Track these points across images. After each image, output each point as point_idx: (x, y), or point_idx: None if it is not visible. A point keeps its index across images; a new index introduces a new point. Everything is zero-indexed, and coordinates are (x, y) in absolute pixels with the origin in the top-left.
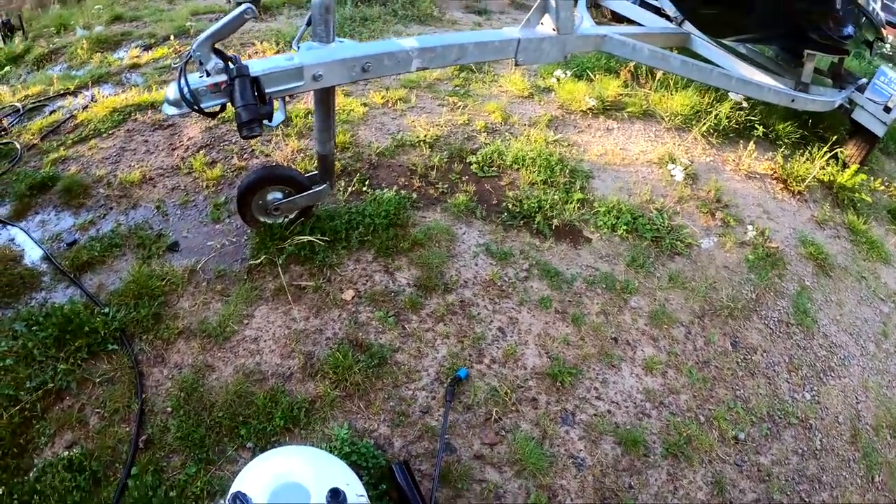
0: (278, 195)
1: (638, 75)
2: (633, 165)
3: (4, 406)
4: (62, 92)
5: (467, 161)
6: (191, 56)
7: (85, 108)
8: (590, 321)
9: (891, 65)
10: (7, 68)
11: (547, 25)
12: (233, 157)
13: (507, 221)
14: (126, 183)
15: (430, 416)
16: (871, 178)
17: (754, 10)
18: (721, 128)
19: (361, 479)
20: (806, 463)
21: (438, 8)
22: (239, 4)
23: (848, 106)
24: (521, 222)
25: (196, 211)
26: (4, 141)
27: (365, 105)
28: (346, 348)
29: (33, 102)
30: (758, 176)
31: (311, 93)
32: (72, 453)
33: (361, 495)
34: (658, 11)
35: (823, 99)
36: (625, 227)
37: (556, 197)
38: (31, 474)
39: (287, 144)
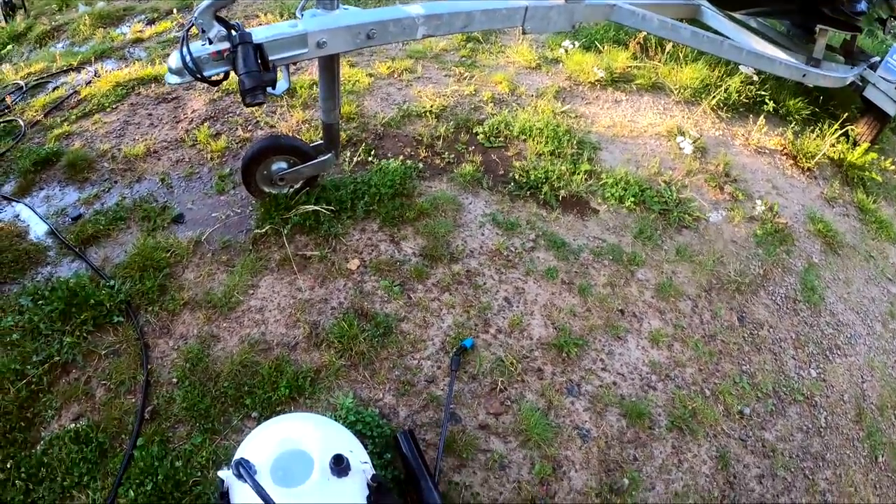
0: (283, 165)
1: (647, 47)
2: (642, 138)
3: (11, 380)
4: (65, 68)
5: (474, 131)
6: (193, 24)
7: (88, 83)
8: (596, 292)
9: None
10: (10, 47)
11: None
12: (237, 128)
13: (513, 192)
14: (130, 156)
15: (435, 385)
16: (882, 158)
17: None
18: (731, 102)
19: (366, 448)
20: (810, 440)
21: None
22: None
23: (860, 83)
24: (528, 193)
25: (201, 183)
26: (8, 118)
27: (371, 75)
28: (351, 318)
29: (36, 79)
30: (767, 151)
31: (316, 61)
32: (78, 425)
33: (365, 462)
34: None
35: (835, 75)
36: (632, 199)
37: (563, 168)
38: (38, 447)
39: (292, 115)
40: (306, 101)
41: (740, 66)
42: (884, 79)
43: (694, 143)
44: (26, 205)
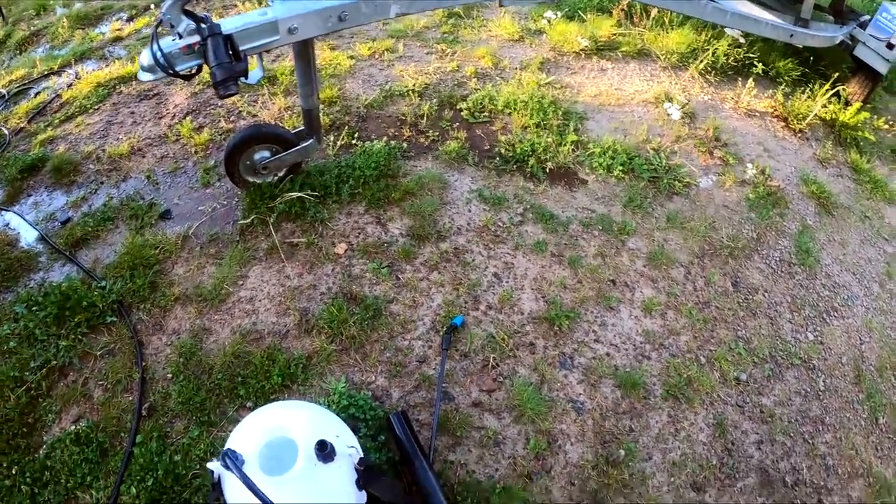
0: (266, 154)
1: (632, 14)
2: (629, 105)
3: (11, 388)
4: (46, 73)
5: (458, 108)
6: (161, 20)
7: (69, 86)
8: (587, 264)
9: (894, 1)
10: None
11: None
12: (220, 120)
13: (499, 166)
14: (115, 156)
15: (427, 365)
16: (875, 117)
17: None
18: (719, 65)
19: (360, 431)
20: (809, 404)
21: None
22: None
23: (849, 43)
24: (515, 166)
25: (186, 177)
26: None
27: (352, 58)
28: (340, 302)
29: (18, 86)
30: (757, 114)
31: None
32: (78, 427)
33: (352, 446)
34: None
35: (824, 35)
36: (621, 168)
37: (549, 140)
38: (41, 452)
39: (274, 103)
40: (287, 87)
41: (726, 29)
42: (874, 37)
43: (682, 108)
44: (15, 213)
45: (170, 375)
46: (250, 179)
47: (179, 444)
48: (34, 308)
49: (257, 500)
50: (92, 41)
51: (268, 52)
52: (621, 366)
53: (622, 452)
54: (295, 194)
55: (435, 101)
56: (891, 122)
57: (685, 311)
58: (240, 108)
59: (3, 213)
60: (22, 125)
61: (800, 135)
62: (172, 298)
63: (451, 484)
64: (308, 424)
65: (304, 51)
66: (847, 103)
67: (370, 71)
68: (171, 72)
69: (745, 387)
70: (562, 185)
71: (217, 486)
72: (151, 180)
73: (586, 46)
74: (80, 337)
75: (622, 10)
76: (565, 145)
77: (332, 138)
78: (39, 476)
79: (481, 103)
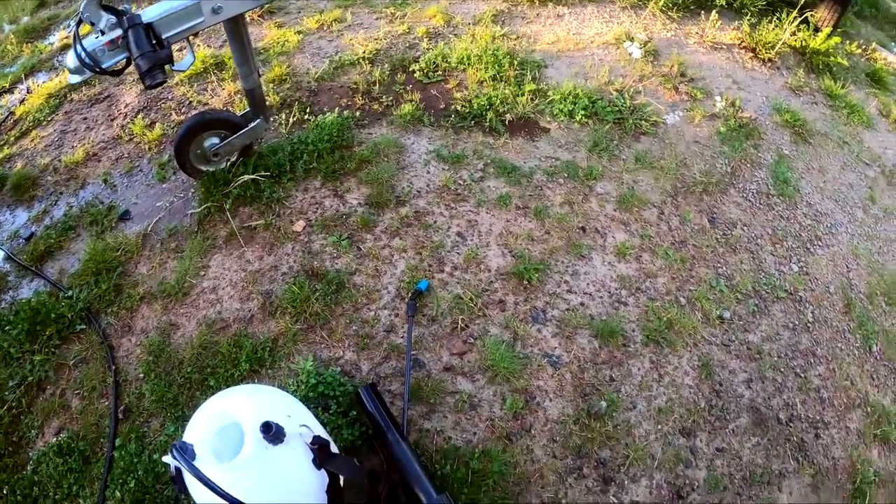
0: (215, 140)
1: None
2: (589, 49)
3: None
4: None
5: (410, 70)
6: (81, 19)
7: (22, 101)
8: (554, 213)
9: None
10: None
11: None
12: (171, 113)
13: (457, 124)
14: (71, 164)
15: (394, 334)
16: (847, 42)
17: None
18: (680, 1)
19: (331, 408)
20: (798, 337)
21: None
22: None
23: None
24: (472, 122)
25: (142, 175)
26: None
27: (299, 33)
28: (301, 280)
29: None
30: (724, 46)
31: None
32: (60, 439)
33: (304, 425)
34: None
35: None
36: (583, 113)
37: (506, 91)
38: (28, 468)
39: (223, 88)
40: (236, 72)
41: None
42: None
43: (643, 46)
44: None
45: (142, 375)
46: (203, 168)
47: (157, 443)
48: (6, 327)
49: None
50: (42, 53)
51: (196, 35)
52: (597, 314)
53: (604, 404)
54: (248, 177)
55: (387, 66)
56: (864, 46)
57: (661, 252)
58: (189, 99)
59: None
60: None
61: (769, 64)
62: (138, 298)
63: (428, 453)
64: (256, 407)
65: (235, 29)
66: (817, 30)
67: (319, 44)
68: (98, 69)
69: (729, 325)
70: (523, 136)
71: (177, 477)
72: (109, 183)
73: None
74: (52, 349)
75: None
76: (523, 95)
77: (283, 116)
78: (29, 492)
79: (434, 63)
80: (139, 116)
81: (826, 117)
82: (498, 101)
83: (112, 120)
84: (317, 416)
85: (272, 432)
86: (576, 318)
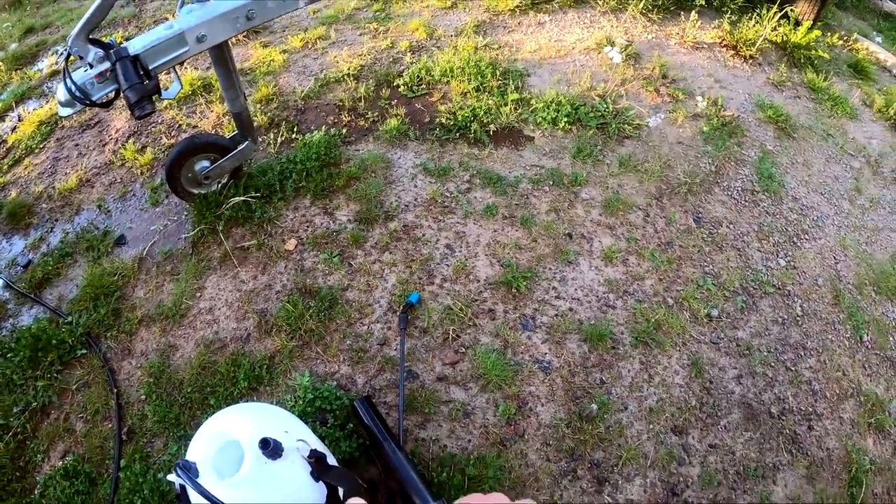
0: (205, 163)
1: None
2: (570, 55)
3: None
4: None
5: (395, 85)
6: (70, 53)
7: (13, 129)
8: (540, 221)
9: None
10: None
11: None
12: (161, 136)
13: (442, 136)
14: (65, 191)
15: (387, 347)
16: (828, 34)
17: None
18: (660, 3)
19: (328, 422)
20: (788, 331)
21: None
22: None
23: None
24: (458, 134)
25: (136, 199)
26: None
27: (285, 52)
28: (295, 298)
29: None
30: (705, 46)
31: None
32: (66, 462)
33: (301, 440)
34: None
35: None
36: (566, 119)
37: (490, 102)
38: (35, 492)
39: (212, 111)
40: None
41: None
42: None
43: (623, 51)
44: None
45: (143, 397)
46: (195, 191)
47: (161, 462)
48: (8, 354)
49: None
50: (31, 80)
51: (182, 65)
52: (585, 319)
53: (595, 406)
54: (239, 198)
55: (371, 81)
56: (845, 38)
57: (647, 254)
58: (179, 122)
59: None
60: None
61: (751, 61)
62: (136, 321)
63: (425, 461)
64: (253, 424)
65: (220, 55)
66: (797, 23)
67: (304, 62)
68: (88, 102)
69: (717, 323)
70: (507, 146)
71: (182, 495)
72: (103, 209)
73: (521, 2)
74: (55, 375)
75: None
76: (507, 105)
77: (271, 136)
78: None
79: (418, 76)
80: (130, 141)
81: (809, 111)
82: (482, 112)
83: (104, 145)
84: (315, 430)
85: (270, 448)
86: (565, 324)
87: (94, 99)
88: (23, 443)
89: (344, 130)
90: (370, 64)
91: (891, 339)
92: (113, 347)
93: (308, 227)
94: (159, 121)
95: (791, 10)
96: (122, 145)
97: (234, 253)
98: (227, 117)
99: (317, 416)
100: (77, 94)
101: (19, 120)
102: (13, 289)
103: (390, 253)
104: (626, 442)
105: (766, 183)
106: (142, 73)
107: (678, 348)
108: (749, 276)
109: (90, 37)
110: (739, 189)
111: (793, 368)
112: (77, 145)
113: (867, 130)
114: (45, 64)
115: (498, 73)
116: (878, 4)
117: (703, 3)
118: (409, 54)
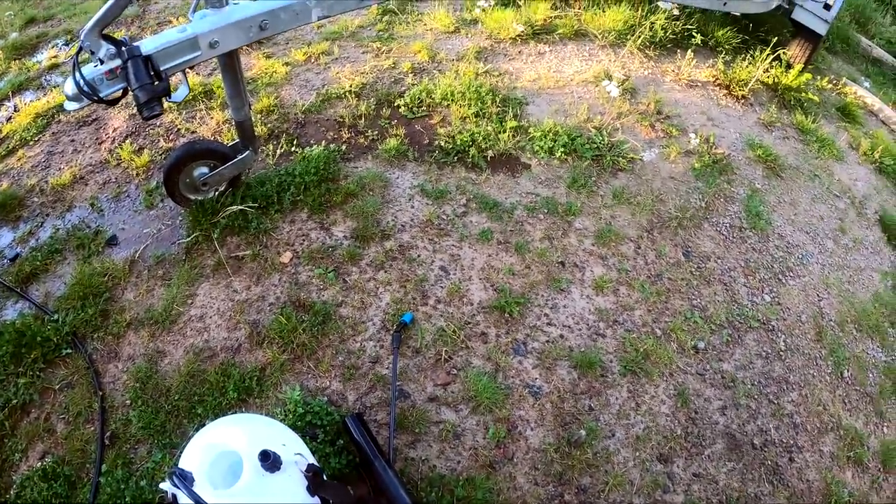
0: (204, 170)
1: None
2: (568, 87)
3: None
4: None
5: (395, 105)
6: (81, 47)
7: (8, 119)
8: (534, 248)
9: None
10: None
11: None
12: (159, 139)
13: (440, 159)
14: (58, 186)
15: (380, 365)
16: (818, 78)
17: None
18: (657, 40)
19: (318, 437)
20: (771, 365)
21: None
22: None
23: (786, 6)
24: (456, 158)
25: (130, 201)
26: None
27: (287, 64)
28: (289, 311)
29: None
30: (699, 84)
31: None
32: (45, 463)
33: (299, 454)
34: None
35: (758, 0)
36: (563, 150)
37: (489, 128)
38: (11, 492)
39: (212, 117)
40: (224, 101)
41: (660, 3)
42: None
43: (621, 85)
44: None
45: (128, 402)
46: (192, 197)
47: (144, 470)
48: None
49: None
50: (29, 70)
51: (191, 68)
52: (576, 346)
53: (583, 433)
54: (237, 208)
55: (372, 100)
56: (834, 81)
57: (637, 285)
58: (178, 126)
59: None
60: None
61: (743, 101)
62: (125, 324)
63: (414, 481)
64: (252, 436)
65: (229, 63)
66: (789, 66)
67: (306, 76)
68: (96, 98)
69: (704, 355)
70: (504, 172)
71: None
72: (96, 207)
73: (522, 32)
74: (38, 373)
75: None
76: (505, 132)
77: (271, 147)
78: None
79: (419, 98)
80: (127, 141)
81: (797, 151)
82: (480, 138)
83: (100, 143)
84: (305, 445)
85: (270, 460)
86: (556, 350)
87: (101, 95)
88: (1, 440)
89: (343, 147)
90: (372, 82)
91: (870, 375)
92: (99, 349)
93: (304, 240)
94: (158, 123)
95: (783, 52)
96: (119, 145)
97: (228, 262)
98: (226, 125)
99: (307, 431)
100: (85, 88)
101: (15, 110)
102: None
103: (385, 272)
104: (613, 468)
105: (753, 220)
106: (152, 73)
107: (665, 378)
108: (735, 310)
109: (104, 32)
110: (728, 225)
111: (775, 401)
112: (73, 141)
113: (853, 172)
114: (45, 56)
115: (498, 100)
116: (867, 50)
117: (700, 41)
118: (410, 75)
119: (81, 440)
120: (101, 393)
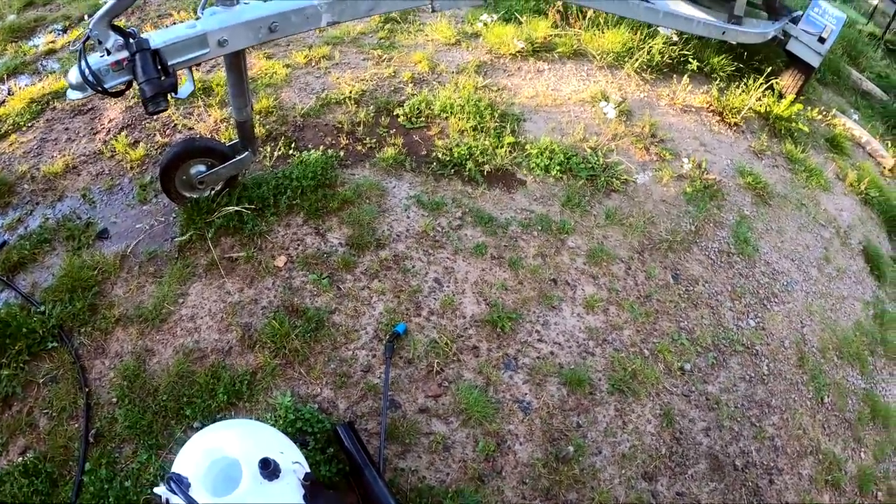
0: (201, 168)
1: (567, 15)
2: (566, 105)
3: None
4: None
5: (394, 114)
6: (89, 36)
7: (2, 103)
8: (527, 264)
9: None
10: None
11: None
12: (155, 134)
13: (437, 171)
14: (50, 175)
15: (371, 374)
16: (809, 108)
17: None
18: (654, 63)
19: (308, 445)
20: (754, 388)
21: None
22: None
23: (782, 38)
24: (452, 171)
25: (123, 194)
26: None
27: (288, 66)
28: (282, 316)
29: None
30: (693, 109)
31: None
32: (26, 458)
33: (297, 462)
34: None
35: (755, 31)
36: (558, 168)
37: (486, 142)
38: None
39: (210, 115)
40: (223, 99)
41: (660, 28)
42: (805, 31)
43: (617, 107)
44: None
45: (115, 400)
46: (187, 195)
47: (129, 470)
48: None
49: None
50: (25, 54)
51: (197, 65)
52: (566, 363)
53: (571, 449)
54: (232, 208)
55: (371, 107)
56: (824, 113)
57: (627, 305)
58: (175, 122)
59: None
60: None
61: (735, 128)
62: (113, 320)
63: (403, 491)
64: (251, 443)
65: (235, 62)
66: (781, 96)
67: (306, 79)
68: (100, 89)
69: (689, 376)
70: (500, 188)
71: None
72: (87, 199)
73: (522, 48)
74: (21, 365)
75: (558, 11)
76: (502, 147)
77: (268, 149)
78: None
79: (418, 108)
80: (123, 133)
81: (786, 180)
82: (478, 152)
83: (94, 134)
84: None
85: (270, 468)
86: (546, 367)
87: (106, 86)
88: None
89: (341, 153)
90: (372, 90)
91: (850, 401)
92: (86, 344)
93: (299, 245)
94: (155, 117)
95: (776, 82)
96: (115, 137)
97: (221, 262)
98: (224, 123)
99: (297, 438)
100: (90, 78)
101: (9, 94)
102: None
103: (379, 281)
104: (599, 485)
105: (741, 246)
106: (160, 68)
107: (652, 398)
108: (721, 333)
109: (112, 23)
110: (716, 250)
111: (757, 424)
112: (67, 129)
113: (839, 203)
114: (42, 41)
115: (496, 115)
116: (857, 83)
117: (696, 68)
118: (410, 85)
119: (65, 437)
120: (86, 389)
